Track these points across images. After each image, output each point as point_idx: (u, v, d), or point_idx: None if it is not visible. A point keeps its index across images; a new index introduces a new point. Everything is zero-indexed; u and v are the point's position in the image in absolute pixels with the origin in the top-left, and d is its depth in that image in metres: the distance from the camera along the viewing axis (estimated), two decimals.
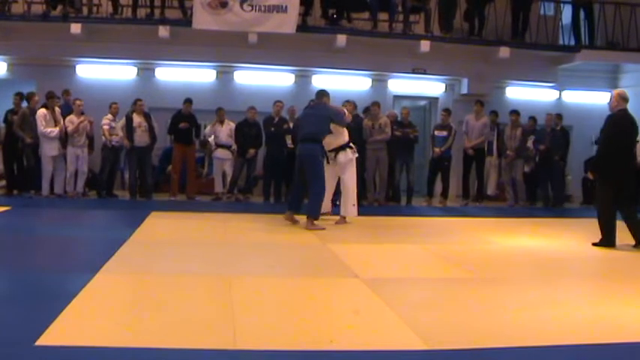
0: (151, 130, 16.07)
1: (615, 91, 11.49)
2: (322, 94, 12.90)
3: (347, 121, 12.83)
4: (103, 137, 15.87)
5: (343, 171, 12.80)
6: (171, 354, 5.22)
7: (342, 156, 12.72)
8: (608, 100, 11.36)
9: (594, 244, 11.00)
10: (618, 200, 10.91)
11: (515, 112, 17.56)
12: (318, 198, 12.28)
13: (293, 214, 12.61)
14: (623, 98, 11.13)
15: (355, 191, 12.92)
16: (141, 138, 15.87)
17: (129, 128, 15.72)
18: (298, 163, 12.54)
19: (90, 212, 13.92)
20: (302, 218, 12.42)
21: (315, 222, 12.10)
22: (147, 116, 16.11)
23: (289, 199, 13.49)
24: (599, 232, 11.05)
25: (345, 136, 12.80)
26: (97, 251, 9.16)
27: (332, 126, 12.46)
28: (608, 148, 11.00)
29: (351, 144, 12.89)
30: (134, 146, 15.78)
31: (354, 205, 12.80)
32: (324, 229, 11.96)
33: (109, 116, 15.83)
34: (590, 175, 11.57)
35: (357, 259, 9.48)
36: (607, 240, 10.91)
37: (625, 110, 11.06)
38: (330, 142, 12.62)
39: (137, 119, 15.86)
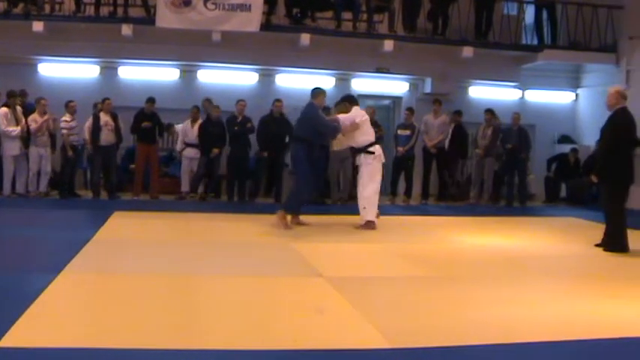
0: (117, 129, 15.97)
1: (613, 89, 11.05)
2: (314, 93, 12.86)
3: (333, 132, 12.67)
4: (63, 139, 15.68)
5: (360, 174, 12.83)
6: (135, 354, 5.21)
7: (357, 159, 12.89)
8: (607, 99, 10.83)
9: (606, 250, 10.63)
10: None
11: (489, 111, 17.68)
12: (296, 195, 12.39)
13: (297, 215, 12.65)
14: (622, 95, 10.71)
15: (369, 196, 12.56)
16: (107, 137, 15.76)
17: (95, 127, 15.60)
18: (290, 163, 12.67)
19: (52, 212, 13.76)
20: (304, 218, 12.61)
21: (288, 218, 12.18)
22: (114, 115, 15.99)
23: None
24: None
25: (365, 136, 12.70)
26: (60, 251, 9.06)
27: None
28: (612, 149, 10.59)
29: (373, 146, 12.69)
30: (100, 145, 15.68)
31: (364, 207, 12.55)
32: (290, 228, 12.00)
33: (67, 116, 15.59)
34: (593, 179, 11.12)
35: (320, 258, 9.52)
36: (620, 245, 10.56)
37: (625, 108, 10.63)
38: (345, 140, 12.94)
39: (104, 118, 15.74)
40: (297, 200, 12.41)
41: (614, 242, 10.63)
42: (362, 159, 12.65)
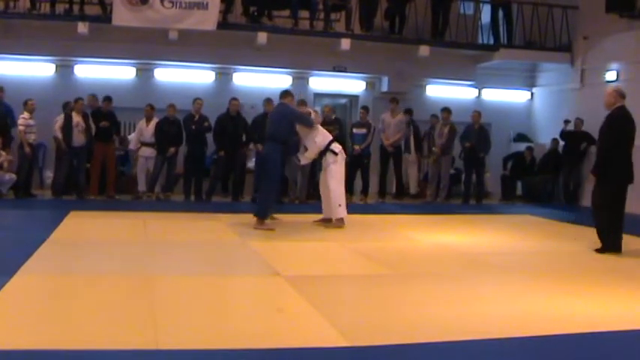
0: (87, 130, 15.80)
1: (611, 88, 10.98)
2: (284, 94, 12.81)
3: (311, 122, 12.66)
4: (20, 137, 15.48)
5: (327, 174, 12.78)
6: (93, 355, 5.18)
7: (324, 160, 12.80)
8: (604, 98, 10.60)
9: (597, 251, 10.40)
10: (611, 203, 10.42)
11: (446, 110, 17.78)
12: (266, 198, 12.36)
13: (273, 213, 12.75)
14: (621, 95, 10.48)
15: (339, 192, 12.66)
16: (77, 138, 15.61)
17: (68, 127, 15.47)
18: (259, 162, 12.61)
19: (7, 212, 13.57)
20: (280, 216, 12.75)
21: (266, 222, 12.12)
22: (85, 116, 15.82)
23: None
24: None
25: (323, 138, 12.74)
26: (15, 252, 8.93)
27: (301, 129, 12.65)
28: (610, 149, 10.37)
29: (334, 145, 12.72)
30: (71, 146, 15.55)
31: (340, 205, 12.58)
32: (273, 229, 11.95)
33: (25, 114, 15.44)
34: (592, 177, 10.95)
35: (278, 256, 9.55)
36: (613, 245, 10.35)
37: (624, 107, 10.42)
38: (311, 154, 12.84)
39: (76, 119, 15.59)
40: (268, 204, 12.37)
41: (607, 242, 10.43)
42: (328, 159, 12.66)
